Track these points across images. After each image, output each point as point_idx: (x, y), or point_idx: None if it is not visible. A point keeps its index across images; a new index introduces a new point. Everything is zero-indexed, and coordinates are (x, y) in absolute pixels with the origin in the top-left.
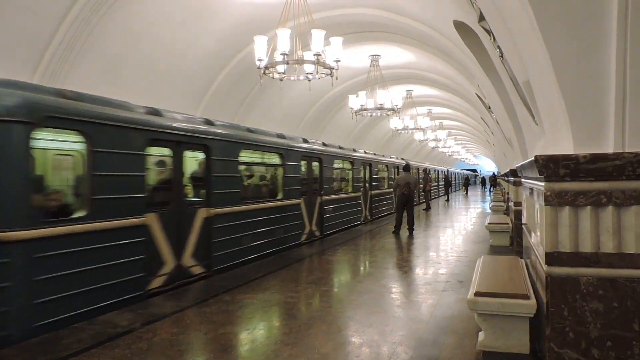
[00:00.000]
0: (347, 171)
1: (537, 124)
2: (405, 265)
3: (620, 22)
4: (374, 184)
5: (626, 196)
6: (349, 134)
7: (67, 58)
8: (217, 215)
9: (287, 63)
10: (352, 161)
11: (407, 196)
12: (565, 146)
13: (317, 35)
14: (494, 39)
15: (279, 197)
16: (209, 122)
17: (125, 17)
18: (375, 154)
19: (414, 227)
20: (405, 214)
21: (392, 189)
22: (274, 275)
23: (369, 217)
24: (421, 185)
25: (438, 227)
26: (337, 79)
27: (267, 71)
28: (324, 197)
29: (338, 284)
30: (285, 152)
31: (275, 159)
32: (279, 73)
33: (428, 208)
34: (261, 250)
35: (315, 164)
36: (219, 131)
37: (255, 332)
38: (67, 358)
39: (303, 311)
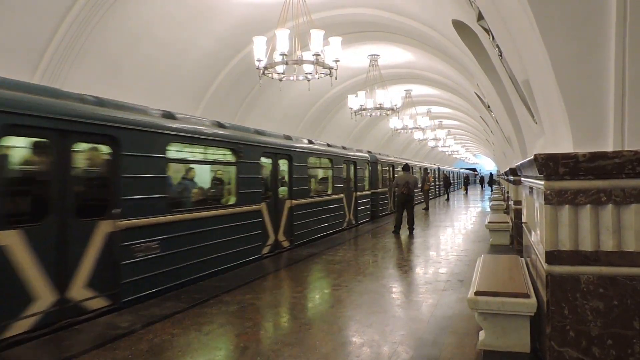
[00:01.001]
0: (227, 168)
1: (536, 123)
2: (405, 265)
3: (619, 22)
4: (297, 188)
5: (626, 194)
6: (349, 134)
7: (67, 58)
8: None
9: (287, 63)
10: (236, 149)
11: (406, 196)
12: (564, 145)
13: (316, 35)
14: (493, 38)
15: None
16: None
17: (125, 17)
18: (311, 142)
19: (414, 226)
20: (405, 213)
21: (342, 195)
22: (274, 275)
23: (283, 244)
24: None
25: (438, 226)
26: (336, 79)
27: (266, 71)
28: (120, 222)
29: (339, 284)
30: None
31: None
32: (278, 73)
33: (427, 208)
34: None
35: (107, 151)
36: None
37: (255, 332)
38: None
39: (303, 311)
